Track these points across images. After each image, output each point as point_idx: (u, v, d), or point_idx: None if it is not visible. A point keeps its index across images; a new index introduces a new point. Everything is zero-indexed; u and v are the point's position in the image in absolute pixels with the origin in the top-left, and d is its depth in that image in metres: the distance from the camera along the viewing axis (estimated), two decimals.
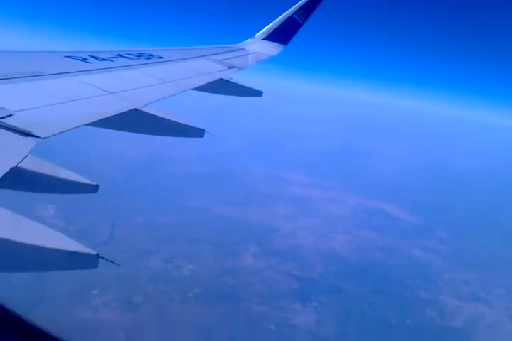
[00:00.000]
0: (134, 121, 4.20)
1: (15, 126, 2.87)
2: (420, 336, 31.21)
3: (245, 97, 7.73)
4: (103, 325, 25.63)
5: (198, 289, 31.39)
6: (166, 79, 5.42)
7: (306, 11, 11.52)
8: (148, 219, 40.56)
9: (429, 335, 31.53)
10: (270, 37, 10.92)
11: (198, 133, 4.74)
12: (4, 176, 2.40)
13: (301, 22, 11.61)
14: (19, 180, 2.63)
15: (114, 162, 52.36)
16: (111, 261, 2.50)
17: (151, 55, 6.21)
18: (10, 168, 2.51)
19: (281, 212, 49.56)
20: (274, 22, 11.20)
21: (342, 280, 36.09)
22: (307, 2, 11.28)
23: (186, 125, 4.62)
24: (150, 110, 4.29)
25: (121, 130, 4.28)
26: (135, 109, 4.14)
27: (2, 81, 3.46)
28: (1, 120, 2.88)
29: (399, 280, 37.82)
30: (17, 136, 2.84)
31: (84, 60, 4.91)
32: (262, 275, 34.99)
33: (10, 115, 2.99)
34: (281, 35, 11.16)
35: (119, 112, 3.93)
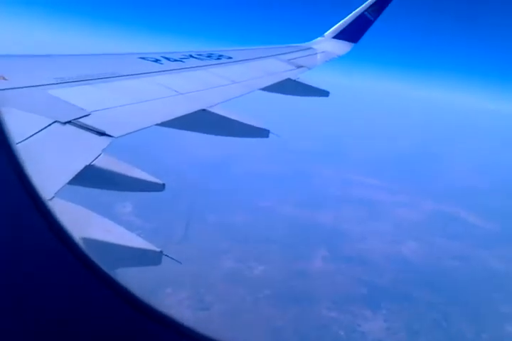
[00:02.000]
0: (202, 121, 4.28)
1: (90, 126, 3.01)
2: None
3: (313, 97, 7.64)
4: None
5: (269, 290, 31.47)
6: (235, 79, 5.48)
7: (378, 8, 11.20)
8: (220, 218, 41.37)
9: None
10: (340, 35, 10.70)
11: (263, 133, 4.75)
12: (78, 174, 2.51)
13: (372, 19, 11.28)
14: (92, 177, 2.74)
15: (185, 161, 54.01)
16: (173, 259, 2.53)
17: (221, 55, 6.31)
18: (84, 166, 2.62)
19: (351, 215, 48.37)
20: (344, 20, 10.96)
21: (413, 289, 34.48)
22: None
23: (251, 125, 4.63)
24: (217, 110, 4.34)
25: (189, 130, 4.37)
26: (203, 110, 4.21)
27: (82, 82, 3.67)
28: (79, 120, 3.03)
29: (475, 292, 35.37)
30: (92, 135, 2.97)
31: (157, 60, 5.10)
32: (331, 280, 34.37)
33: (87, 115, 3.14)
34: (352, 33, 10.90)
35: (188, 112, 4.02)
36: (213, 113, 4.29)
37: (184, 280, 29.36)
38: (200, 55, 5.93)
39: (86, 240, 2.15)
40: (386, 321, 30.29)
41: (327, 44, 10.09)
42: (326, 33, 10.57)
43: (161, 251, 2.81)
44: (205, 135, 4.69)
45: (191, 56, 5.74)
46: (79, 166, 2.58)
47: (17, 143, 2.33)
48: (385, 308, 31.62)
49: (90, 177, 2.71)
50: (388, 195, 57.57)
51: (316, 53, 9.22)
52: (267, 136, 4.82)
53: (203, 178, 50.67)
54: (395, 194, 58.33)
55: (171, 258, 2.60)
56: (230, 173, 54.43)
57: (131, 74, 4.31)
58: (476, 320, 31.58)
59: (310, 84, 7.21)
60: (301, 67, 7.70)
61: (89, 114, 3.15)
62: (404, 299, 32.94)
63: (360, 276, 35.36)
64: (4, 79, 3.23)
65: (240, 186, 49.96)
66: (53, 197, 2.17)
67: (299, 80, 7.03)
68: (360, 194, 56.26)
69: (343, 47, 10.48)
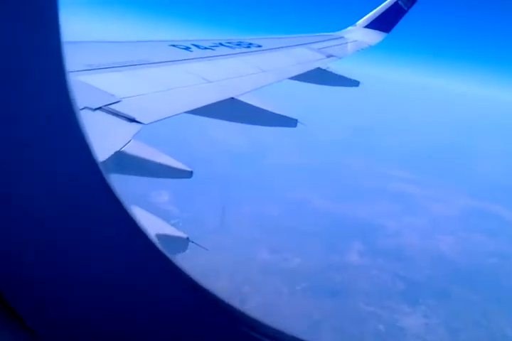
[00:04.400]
0: (231, 109, 4.27)
1: (121, 112, 3.03)
2: None
3: (343, 87, 7.51)
4: None
5: (305, 283, 31.41)
6: (264, 68, 5.43)
7: None
8: (254, 209, 41.39)
9: None
10: (372, 24, 10.44)
11: (291, 123, 4.71)
12: (108, 159, 2.53)
13: (406, 8, 10.99)
14: (121, 163, 2.76)
15: (214, 149, 54.21)
16: (200, 246, 2.52)
17: (251, 43, 6.27)
18: (114, 152, 2.64)
19: (384, 208, 47.48)
20: (378, 9, 10.70)
21: (451, 285, 33.63)
22: None
23: (279, 115, 4.59)
24: (246, 99, 4.32)
25: (218, 118, 4.37)
26: (232, 98, 4.19)
27: (112, 69, 3.70)
28: (110, 106, 3.05)
29: None
30: (122, 121, 2.99)
31: (187, 48, 5.10)
32: (368, 274, 33.94)
33: (117, 101, 3.16)
34: (384, 22, 10.63)
35: (216, 101, 4.00)
36: (242, 101, 4.27)
37: (222, 270, 29.43)
38: (229, 43, 5.90)
39: None
40: (425, 317, 29.82)
41: (359, 33, 9.87)
42: (358, 22, 10.35)
43: (187, 238, 2.81)
44: (234, 123, 4.68)
45: (221, 44, 5.72)
46: (109, 152, 2.60)
47: None
48: (423, 304, 31.10)
49: (120, 163, 2.74)
50: (421, 189, 56.22)
51: (347, 42, 9.04)
52: (295, 126, 4.78)
53: (234, 167, 50.67)
54: (428, 188, 56.92)
55: (198, 245, 2.60)
56: (260, 163, 54.20)
57: (161, 62, 4.32)
58: None
59: (340, 73, 7.09)
60: (332, 56, 7.56)
61: (119, 101, 3.17)
62: (442, 295, 32.29)
63: (397, 271, 34.82)
64: None
65: (270, 176, 49.71)
66: None
67: (329, 70, 6.91)
68: (393, 187, 55.14)
69: (375, 36, 10.23)
